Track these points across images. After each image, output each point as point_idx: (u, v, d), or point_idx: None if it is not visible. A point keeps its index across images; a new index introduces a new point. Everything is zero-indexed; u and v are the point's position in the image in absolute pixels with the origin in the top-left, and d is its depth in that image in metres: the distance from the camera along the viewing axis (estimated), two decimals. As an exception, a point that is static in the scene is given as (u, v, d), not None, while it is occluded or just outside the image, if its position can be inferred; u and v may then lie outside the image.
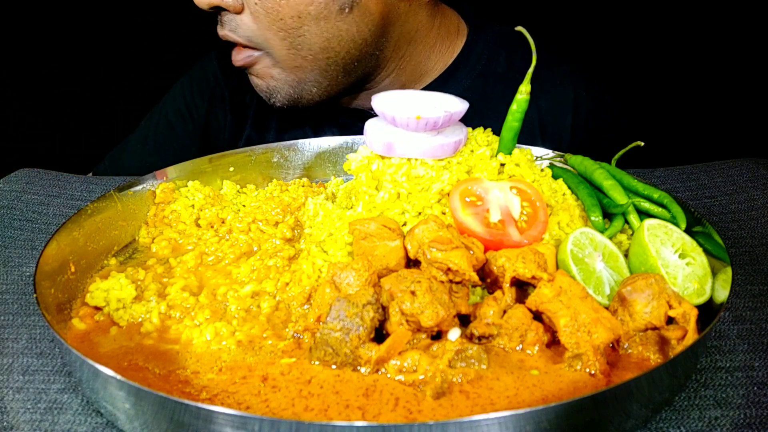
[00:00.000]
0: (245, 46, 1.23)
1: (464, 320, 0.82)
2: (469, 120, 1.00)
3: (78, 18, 1.42)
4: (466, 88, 1.34)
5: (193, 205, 1.08)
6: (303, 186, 1.18)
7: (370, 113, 1.04)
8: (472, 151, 0.99)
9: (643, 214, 0.96)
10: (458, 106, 0.97)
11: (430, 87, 1.33)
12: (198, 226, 1.07)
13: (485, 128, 1.05)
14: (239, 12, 1.19)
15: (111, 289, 0.88)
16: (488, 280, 0.86)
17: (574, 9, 1.99)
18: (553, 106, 1.39)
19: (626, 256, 0.90)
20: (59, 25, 1.34)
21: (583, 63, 1.44)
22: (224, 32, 1.22)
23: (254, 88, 1.29)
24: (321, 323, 0.77)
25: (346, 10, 1.21)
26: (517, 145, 1.01)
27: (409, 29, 1.28)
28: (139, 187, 1.09)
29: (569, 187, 1.00)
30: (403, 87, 1.32)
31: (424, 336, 0.78)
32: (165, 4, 1.48)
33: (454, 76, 1.37)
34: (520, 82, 0.96)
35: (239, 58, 1.24)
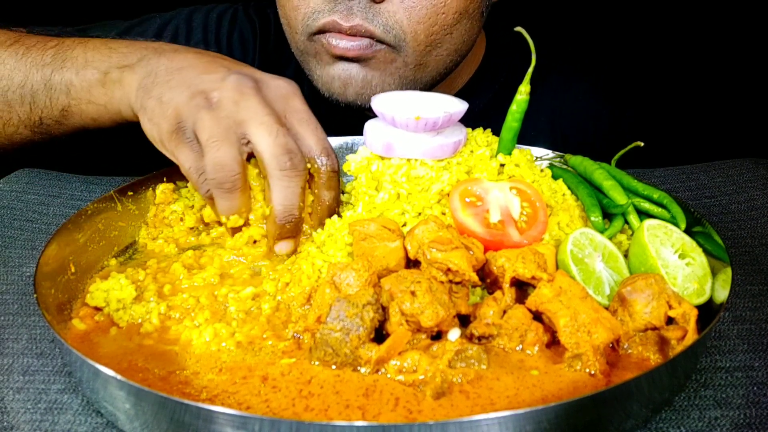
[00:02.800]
0: (366, 37, 1.12)
1: (464, 320, 0.82)
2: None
3: (78, 18, 1.42)
4: (486, 103, 1.35)
5: (193, 206, 1.08)
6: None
7: (370, 114, 1.04)
8: (471, 151, 0.99)
9: (643, 214, 0.96)
10: (458, 106, 0.97)
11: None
12: (197, 228, 1.06)
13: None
14: (382, 1, 1.10)
15: (111, 290, 0.88)
16: (488, 280, 0.86)
17: (573, 7, 1.99)
18: (575, 123, 1.39)
19: (626, 256, 0.90)
20: (60, 24, 1.34)
21: (605, 77, 1.44)
22: (356, 22, 1.10)
23: (331, 80, 1.18)
24: (321, 323, 0.77)
25: (484, 14, 1.22)
26: (517, 145, 1.01)
27: None
28: (139, 188, 1.09)
29: (569, 188, 1.00)
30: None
31: (424, 336, 0.78)
32: (166, 9, 1.48)
33: (475, 90, 1.37)
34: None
35: (354, 44, 1.12)
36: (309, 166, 0.96)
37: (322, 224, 0.98)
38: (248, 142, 0.92)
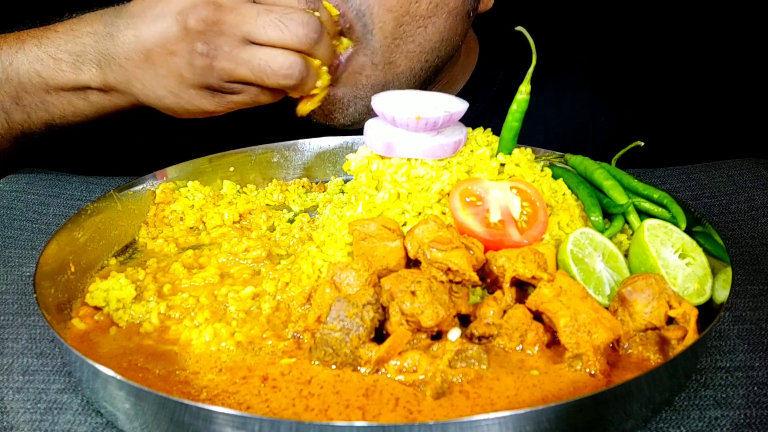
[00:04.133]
0: (340, 31, 1.13)
1: (464, 320, 0.82)
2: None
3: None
4: (484, 106, 1.34)
5: (193, 206, 1.08)
6: (303, 186, 1.18)
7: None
8: (472, 151, 0.99)
9: (643, 214, 0.96)
10: (458, 106, 0.97)
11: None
12: (197, 228, 1.06)
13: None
14: None
15: (111, 289, 0.88)
16: (488, 280, 0.86)
17: (574, 7, 1.99)
18: (576, 123, 1.39)
19: (626, 256, 0.90)
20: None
21: (605, 77, 1.44)
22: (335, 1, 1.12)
23: (313, 114, 1.19)
24: (321, 323, 0.77)
25: (470, 14, 1.19)
26: (517, 145, 1.01)
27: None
28: (139, 187, 1.09)
29: (569, 187, 1.00)
30: None
31: (424, 336, 0.78)
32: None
33: (472, 95, 1.37)
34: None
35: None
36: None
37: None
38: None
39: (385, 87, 1.18)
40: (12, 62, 1.09)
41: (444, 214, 0.92)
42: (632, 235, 0.93)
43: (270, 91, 1.03)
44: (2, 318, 0.90)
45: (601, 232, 0.92)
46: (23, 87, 1.09)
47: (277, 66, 0.98)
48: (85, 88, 1.08)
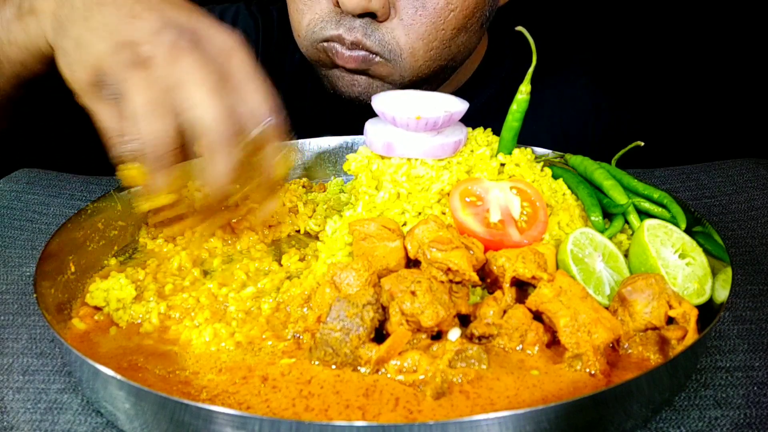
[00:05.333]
0: (362, 50, 1.14)
1: (464, 320, 0.82)
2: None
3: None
4: (487, 101, 1.35)
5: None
6: (303, 186, 1.18)
7: (370, 113, 1.05)
8: (472, 151, 0.99)
9: (643, 214, 0.96)
10: (458, 106, 0.97)
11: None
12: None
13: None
14: (385, 20, 1.12)
15: (111, 289, 0.88)
16: (488, 280, 0.86)
17: (574, 7, 1.99)
18: (576, 118, 1.40)
19: (626, 256, 0.90)
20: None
21: (605, 77, 1.45)
22: (356, 37, 1.12)
23: (337, 79, 1.20)
24: (321, 323, 0.77)
25: (484, 25, 1.22)
26: (517, 145, 1.01)
27: None
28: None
29: (569, 187, 1.00)
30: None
31: (424, 336, 0.78)
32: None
33: (477, 88, 1.37)
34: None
35: (353, 55, 1.14)
36: (253, 131, 0.85)
37: (266, 209, 0.91)
38: (185, 109, 0.81)
39: (412, 86, 1.21)
40: None
41: (444, 214, 0.92)
42: (632, 235, 0.93)
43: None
44: (2, 318, 0.90)
45: (601, 232, 0.92)
46: None
47: (144, 125, 0.80)
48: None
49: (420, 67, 1.18)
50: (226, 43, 0.86)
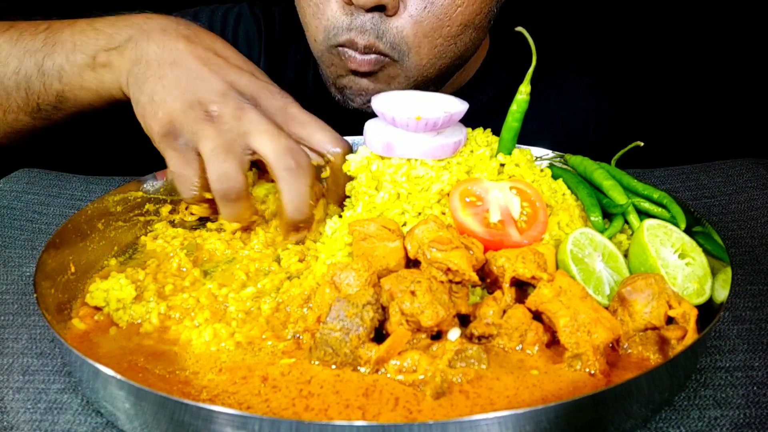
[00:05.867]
0: (375, 53, 1.16)
1: (464, 320, 0.82)
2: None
3: (79, 16, 1.42)
4: (488, 101, 1.35)
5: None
6: None
7: (370, 113, 1.05)
8: (472, 151, 0.99)
9: (643, 214, 0.96)
10: (458, 106, 0.97)
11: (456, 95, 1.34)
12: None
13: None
14: (394, 14, 1.13)
15: (111, 290, 0.88)
16: (488, 280, 0.86)
17: (574, 7, 1.99)
18: (576, 118, 1.40)
19: (626, 256, 0.90)
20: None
21: (605, 77, 1.45)
22: (369, 40, 1.14)
23: (344, 87, 1.23)
24: (321, 323, 0.77)
25: (492, 22, 1.23)
26: (517, 145, 1.01)
27: None
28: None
29: (569, 187, 1.00)
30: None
31: (424, 336, 0.78)
32: (167, 10, 1.48)
33: (478, 87, 1.38)
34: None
35: (366, 58, 1.16)
36: (323, 158, 0.99)
37: (341, 206, 1.02)
38: (252, 152, 0.94)
39: (416, 89, 1.21)
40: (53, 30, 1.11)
41: (444, 214, 0.92)
42: (632, 235, 0.93)
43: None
44: (2, 318, 0.90)
45: (601, 232, 0.92)
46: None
47: (214, 167, 0.93)
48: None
49: (425, 66, 1.18)
50: (281, 101, 0.99)
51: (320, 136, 0.99)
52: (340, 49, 1.18)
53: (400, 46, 1.15)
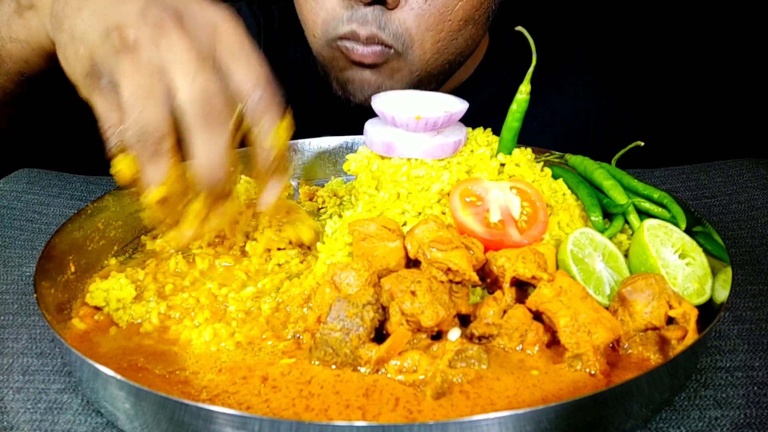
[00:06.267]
0: (378, 44, 1.14)
1: (464, 320, 0.82)
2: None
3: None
4: (488, 99, 1.35)
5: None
6: (288, 194, 1.18)
7: (370, 113, 1.05)
8: (472, 151, 0.99)
9: (643, 214, 0.96)
10: (458, 106, 0.97)
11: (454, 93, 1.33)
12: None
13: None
14: (395, 7, 1.12)
15: (111, 289, 0.88)
16: (488, 280, 0.86)
17: (574, 6, 1.99)
18: (576, 117, 1.40)
19: (626, 256, 0.90)
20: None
21: (605, 77, 1.45)
22: (371, 31, 1.12)
23: (347, 82, 1.20)
24: (321, 323, 0.77)
25: (491, 18, 1.23)
26: (517, 144, 1.01)
27: None
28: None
29: (569, 187, 1.00)
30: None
31: (424, 336, 0.78)
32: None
33: (478, 85, 1.38)
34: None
35: (369, 50, 1.14)
36: (240, 107, 0.79)
37: (272, 190, 0.85)
38: (171, 94, 0.77)
39: (419, 85, 1.22)
40: None
41: (444, 214, 0.92)
42: (632, 235, 0.93)
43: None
44: (2, 318, 0.90)
45: (601, 232, 0.92)
46: None
47: (134, 113, 0.76)
48: None
49: (428, 60, 1.18)
50: (212, 18, 0.81)
51: (242, 73, 0.80)
52: (342, 42, 1.17)
53: (403, 38, 1.14)
